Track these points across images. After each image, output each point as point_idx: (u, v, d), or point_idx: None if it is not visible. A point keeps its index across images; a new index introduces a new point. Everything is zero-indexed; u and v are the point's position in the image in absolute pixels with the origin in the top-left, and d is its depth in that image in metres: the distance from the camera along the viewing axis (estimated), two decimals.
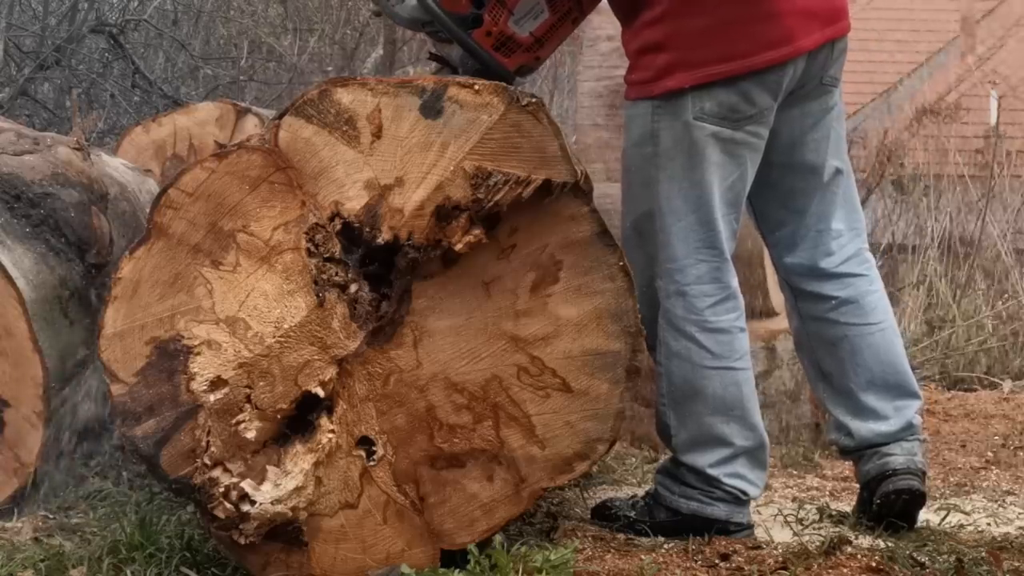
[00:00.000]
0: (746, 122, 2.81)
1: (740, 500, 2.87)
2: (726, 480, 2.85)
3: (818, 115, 2.96)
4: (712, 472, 2.84)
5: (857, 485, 3.43)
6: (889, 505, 2.91)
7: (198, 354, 2.48)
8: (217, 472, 2.48)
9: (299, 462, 2.51)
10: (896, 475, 2.93)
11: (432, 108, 2.48)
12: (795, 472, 3.69)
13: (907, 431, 2.99)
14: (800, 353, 3.14)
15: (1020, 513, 3.26)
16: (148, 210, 2.51)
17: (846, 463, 3.91)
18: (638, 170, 2.88)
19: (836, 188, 3.00)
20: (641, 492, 3.06)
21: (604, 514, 2.96)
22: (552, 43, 2.85)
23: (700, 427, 2.84)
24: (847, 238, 3.00)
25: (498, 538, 2.56)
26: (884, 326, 3.00)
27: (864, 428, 2.98)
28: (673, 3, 2.75)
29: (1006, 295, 6.59)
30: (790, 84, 2.85)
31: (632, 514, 2.91)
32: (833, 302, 2.97)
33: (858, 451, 3.00)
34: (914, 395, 3.02)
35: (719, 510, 2.84)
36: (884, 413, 2.98)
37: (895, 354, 3.01)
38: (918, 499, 2.94)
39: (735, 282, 2.88)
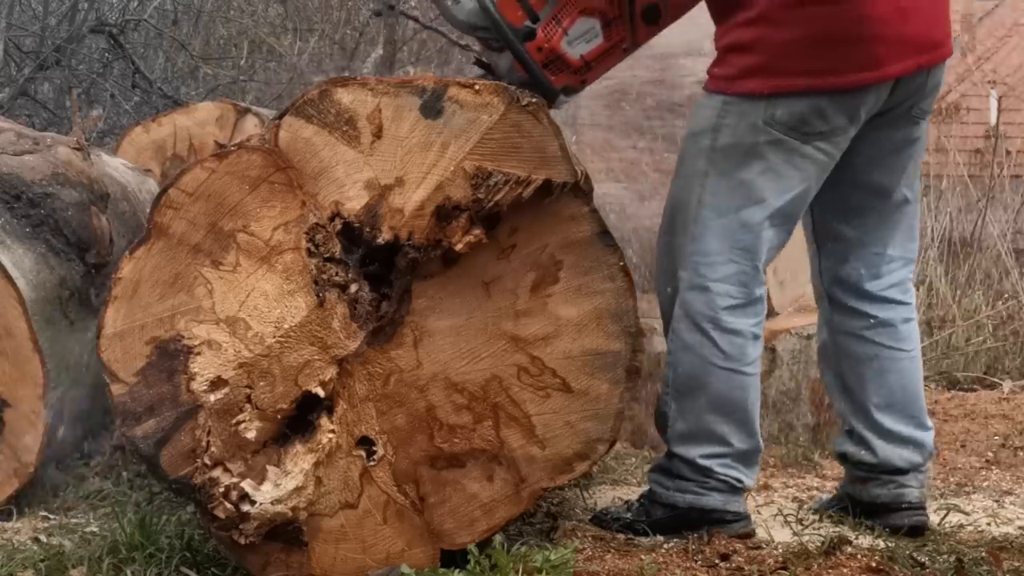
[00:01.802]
0: (815, 138, 2.78)
1: (735, 489, 2.87)
2: (719, 470, 2.85)
3: (899, 144, 2.93)
4: (704, 463, 2.85)
5: None
6: (894, 532, 2.95)
7: (198, 354, 2.48)
8: (217, 472, 2.48)
9: (299, 462, 2.51)
10: (911, 509, 2.97)
11: (432, 108, 2.48)
12: (795, 472, 3.69)
13: (926, 462, 3.03)
14: (823, 364, 3.12)
15: (1020, 513, 3.26)
16: (148, 210, 2.51)
17: None
18: (689, 159, 2.86)
19: (900, 215, 2.98)
20: (636, 494, 3.06)
21: (602, 521, 2.95)
22: (600, 69, 2.85)
23: (699, 422, 2.85)
24: (898, 264, 3.00)
25: (498, 538, 2.56)
26: (914, 355, 3.02)
27: (890, 450, 2.99)
28: (770, 9, 2.72)
29: (1006, 295, 6.58)
30: (872, 108, 2.81)
31: (629, 516, 2.91)
32: (871, 321, 2.98)
33: (876, 470, 3.00)
34: (928, 428, 3.05)
35: (714, 499, 2.84)
36: (907, 439, 2.99)
37: (917, 384, 3.03)
38: (921, 532, 2.97)
39: (761, 291, 2.86)
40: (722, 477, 2.85)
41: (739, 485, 2.87)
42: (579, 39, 2.78)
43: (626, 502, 3.00)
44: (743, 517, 2.89)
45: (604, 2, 2.77)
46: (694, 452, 2.85)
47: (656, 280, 2.98)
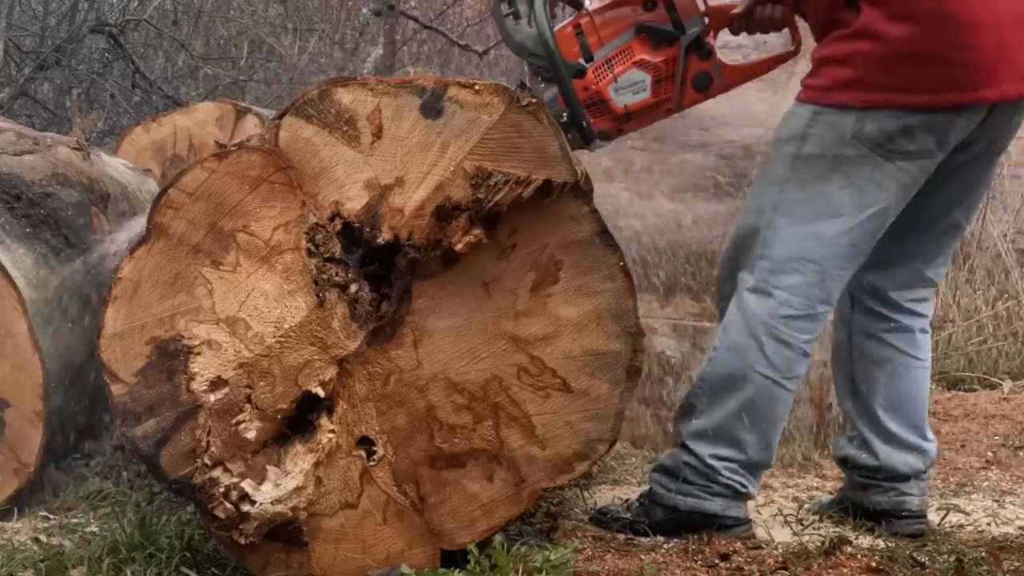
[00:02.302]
0: (901, 157, 2.76)
1: (738, 494, 2.87)
2: (725, 473, 2.85)
3: (968, 179, 2.92)
4: (712, 463, 2.84)
5: None
6: (894, 536, 2.95)
7: (198, 354, 2.48)
8: (217, 472, 2.48)
9: (299, 462, 2.51)
10: (912, 517, 2.98)
11: (432, 108, 2.48)
12: (795, 472, 3.69)
13: (928, 470, 3.04)
14: (835, 366, 3.11)
15: (1020, 513, 3.26)
16: (148, 210, 2.51)
17: None
18: (772, 164, 2.85)
19: (948, 240, 2.98)
20: (637, 494, 3.05)
21: (601, 521, 2.95)
22: (639, 123, 2.86)
23: (722, 423, 2.83)
24: (927, 283, 3.01)
25: (498, 538, 2.56)
26: (926, 365, 3.03)
27: (893, 454, 2.99)
28: (869, 24, 2.70)
29: (1006, 295, 6.58)
30: (960, 135, 2.78)
31: (629, 516, 2.91)
32: (891, 324, 2.97)
33: (876, 474, 3.00)
34: (930, 440, 3.06)
35: (716, 504, 2.84)
36: (911, 445, 3.00)
37: (924, 395, 3.04)
38: (918, 538, 2.97)
39: (824, 309, 2.83)
40: (726, 481, 2.84)
41: (742, 491, 2.87)
42: (627, 89, 2.78)
43: (626, 501, 3.00)
44: (744, 522, 2.89)
45: (660, 59, 2.77)
46: (705, 450, 2.84)
47: (719, 278, 2.95)
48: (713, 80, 2.83)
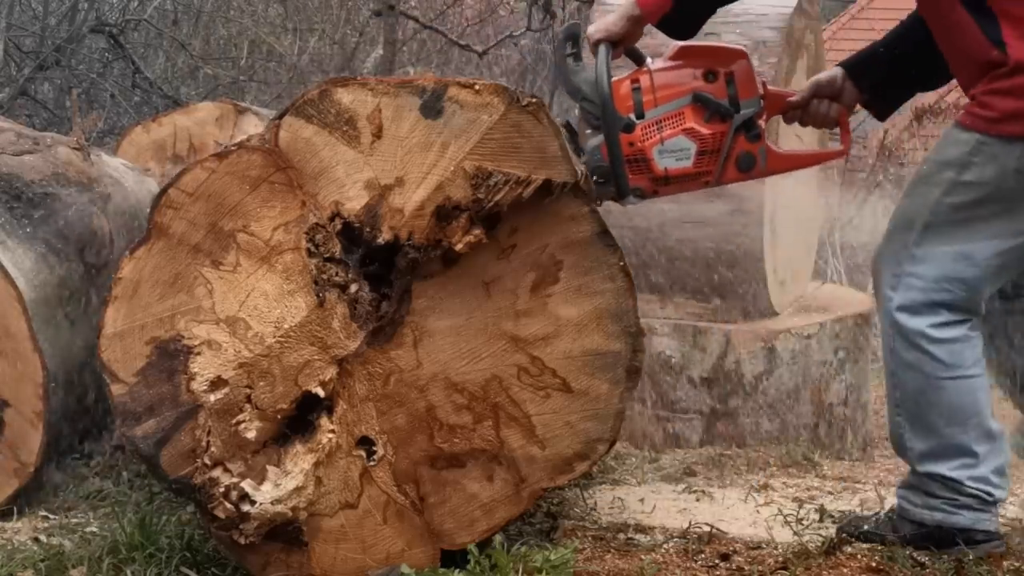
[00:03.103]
0: None
1: (986, 502, 2.80)
2: (969, 483, 2.78)
3: None
4: (954, 475, 2.78)
5: (857, 484, 3.43)
6: None
7: (198, 354, 2.48)
8: (217, 472, 2.48)
9: (299, 462, 2.51)
10: None
11: (432, 108, 2.48)
12: (795, 472, 3.68)
13: None
14: (997, 365, 3.05)
15: (1020, 513, 3.26)
16: (148, 210, 2.51)
17: (846, 463, 3.92)
18: (927, 183, 2.78)
19: None
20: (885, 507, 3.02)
21: (847, 531, 2.89)
22: (675, 188, 2.84)
23: (940, 438, 2.78)
24: None
25: (498, 538, 2.56)
26: None
27: None
28: (1021, 59, 2.63)
29: None
30: None
31: (877, 530, 2.85)
32: None
33: None
34: None
35: (964, 518, 2.77)
36: None
37: None
38: None
39: (974, 314, 2.79)
40: (972, 491, 2.78)
41: (989, 499, 2.80)
42: (671, 153, 2.77)
43: (875, 514, 2.95)
44: (994, 537, 2.81)
45: (709, 132, 2.76)
46: (942, 468, 2.79)
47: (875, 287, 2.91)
48: (757, 163, 2.82)
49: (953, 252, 2.74)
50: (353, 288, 2.52)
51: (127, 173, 3.93)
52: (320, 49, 10.45)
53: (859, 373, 4.18)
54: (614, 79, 2.72)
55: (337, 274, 2.51)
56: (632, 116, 2.75)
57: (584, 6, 8.77)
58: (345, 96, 2.49)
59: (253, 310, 2.49)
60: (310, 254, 2.50)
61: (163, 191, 2.51)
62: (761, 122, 2.81)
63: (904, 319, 2.76)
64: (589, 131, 2.77)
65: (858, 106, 3.01)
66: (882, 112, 2.98)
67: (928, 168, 2.81)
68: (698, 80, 2.77)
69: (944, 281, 2.74)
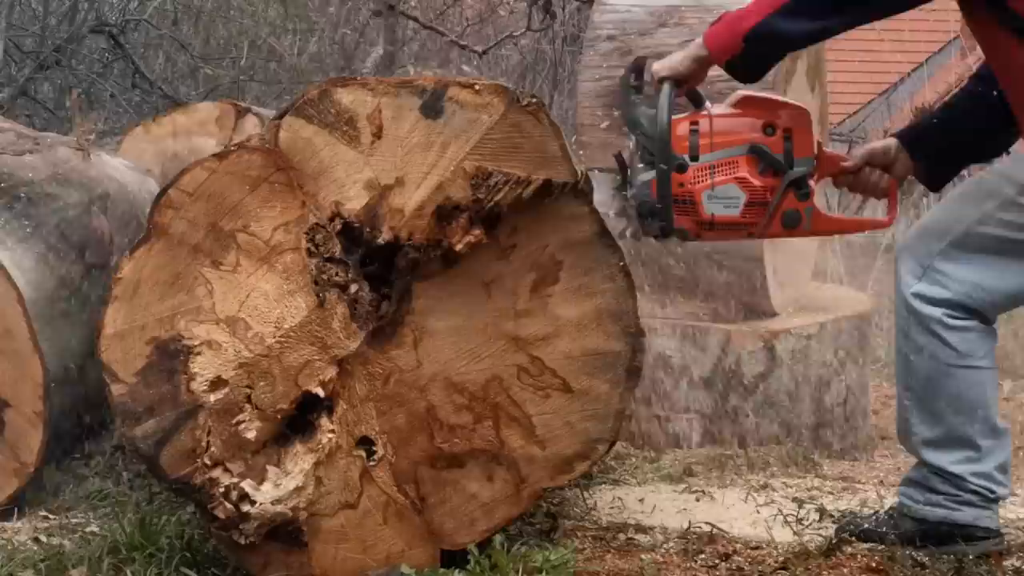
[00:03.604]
0: None
1: (988, 499, 2.81)
2: (972, 479, 2.79)
3: None
4: (956, 470, 2.79)
5: (857, 484, 3.43)
6: None
7: (198, 354, 2.48)
8: (217, 472, 2.48)
9: (299, 462, 2.51)
10: None
11: (433, 108, 2.48)
12: (795, 472, 3.68)
13: None
14: None
15: (1020, 513, 3.26)
16: (148, 210, 2.51)
17: (846, 463, 3.91)
18: (983, 192, 2.78)
19: None
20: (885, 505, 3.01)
21: (847, 529, 2.90)
22: (718, 235, 2.84)
23: (945, 427, 2.79)
24: None
25: (498, 538, 2.56)
26: None
27: None
28: None
29: None
30: None
31: (877, 527, 2.86)
32: None
33: None
34: None
35: (965, 514, 2.78)
36: None
37: None
38: None
39: (984, 321, 2.80)
40: (974, 487, 2.79)
41: (991, 496, 2.81)
42: (720, 200, 2.76)
43: (875, 512, 2.95)
44: (995, 534, 2.82)
45: (760, 184, 2.75)
46: (944, 459, 2.80)
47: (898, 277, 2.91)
48: (802, 221, 2.82)
49: (988, 264, 2.74)
50: (353, 288, 2.52)
51: (127, 173, 3.93)
52: (320, 49, 10.46)
53: (859, 373, 4.18)
54: (674, 118, 2.73)
55: (337, 274, 2.51)
56: (686, 157, 2.74)
57: (584, 6, 8.77)
58: (345, 96, 2.49)
59: (253, 310, 2.49)
60: (310, 254, 2.50)
61: (163, 191, 2.51)
62: (811, 182, 2.81)
63: (919, 305, 2.77)
64: (641, 165, 2.77)
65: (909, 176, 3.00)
66: (935, 183, 2.97)
67: (991, 179, 2.81)
68: (756, 132, 2.77)
69: (970, 287, 2.75)
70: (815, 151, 2.81)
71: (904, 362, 2.83)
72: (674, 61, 2.76)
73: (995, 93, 2.78)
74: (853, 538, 2.84)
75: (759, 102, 2.81)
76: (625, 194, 2.80)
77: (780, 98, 2.88)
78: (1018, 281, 2.76)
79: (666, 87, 2.74)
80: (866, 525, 2.88)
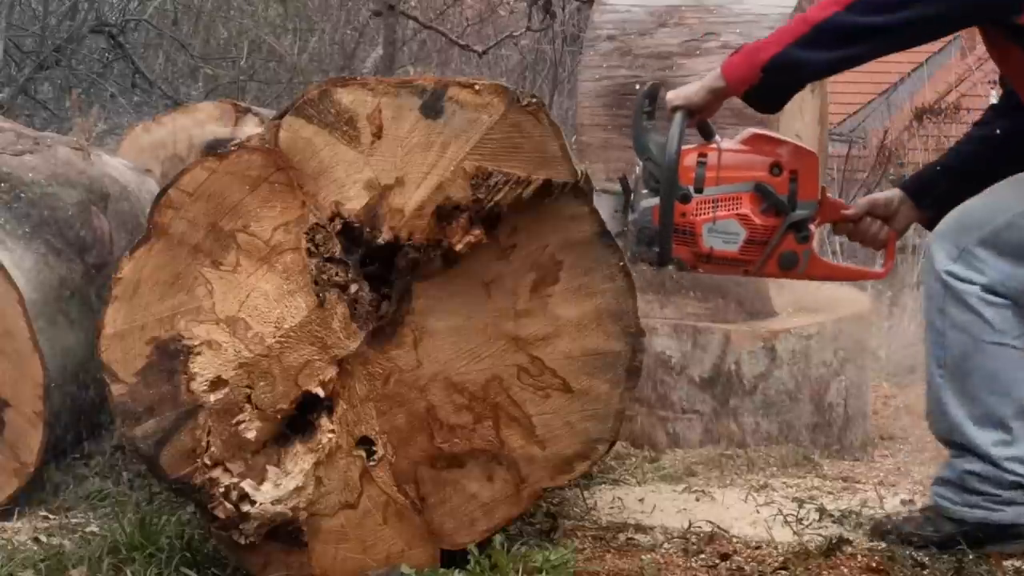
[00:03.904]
0: None
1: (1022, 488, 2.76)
2: (1007, 464, 2.74)
3: None
4: (991, 452, 2.75)
5: (857, 484, 3.43)
6: None
7: (198, 354, 2.48)
8: (217, 472, 2.48)
9: (299, 462, 2.51)
10: None
11: (433, 108, 2.48)
12: (795, 472, 3.68)
13: None
14: None
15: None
16: (148, 210, 2.51)
17: (846, 463, 3.91)
18: None
19: None
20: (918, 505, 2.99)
21: (881, 532, 2.88)
22: (713, 269, 2.87)
23: (979, 406, 2.76)
24: None
25: (498, 538, 2.56)
26: None
27: None
28: None
29: None
30: None
31: (914, 530, 2.84)
32: None
33: None
34: None
35: (1007, 514, 2.75)
36: None
37: None
38: None
39: (1021, 306, 2.79)
40: (1012, 477, 2.74)
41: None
42: (720, 234, 2.78)
43: (910, 514, 2.92)
44: None
45: (761, 223, 2.78)
46: (980, 438, 2.75)
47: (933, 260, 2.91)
48: (799, 263, 2.84)
49: None
50: (353, 288, 2.52)
51: (127, 173, 3.93)
52: (320, 49, 10.46)
53: (859, 373, 4.18)
54: (683, 148, 2.74)
55: (337, 274, 2.51)
56: (691, 188, 2.76)
57: (584, 6, 8.78)
58: (345, 96, 2.49)
59: (253, 310, 2.49)
60: (310, 254, 2.50)
61: (163, 191, 2.51)
62: (812, 226, 2.83)
63: (954, 282, 2.75)
64: (645, 191, 2.79)
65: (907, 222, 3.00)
66: None
67: None
68: (763, 170, 2.79)
69: (1005, 275, 2.74)
70: (819, 196, 2.83)
71: (937, 338, 2.79)
72: (689, 92, 2.77)
73: (998, 132, 2.80)
74: (899, 543, 2.81)
75: (769, 141, 2.83)
76: (625, 217, 2.81)
77: (791, 140, 2.89)
78: None
79: (679, 116, 2.75)
80: (907, 528, 2.85)
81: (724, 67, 2.72)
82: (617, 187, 2.88)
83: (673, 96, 2.78)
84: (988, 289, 2.73)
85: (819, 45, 2.65)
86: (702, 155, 2.78)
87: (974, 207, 2.81)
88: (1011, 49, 2.74)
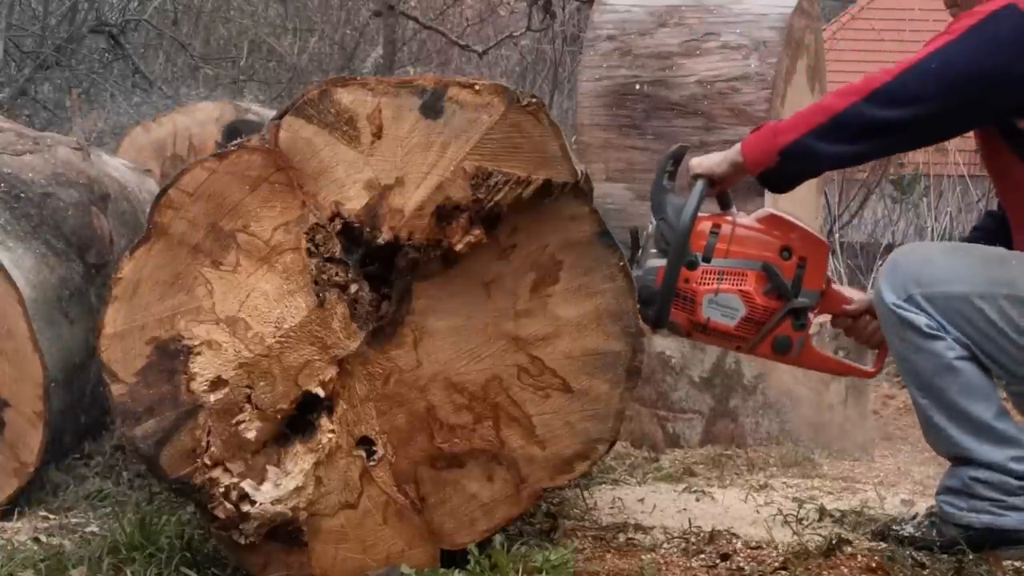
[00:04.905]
0: None
1: None
2: (1015, 467, 2.73)
3: None
4: (996, 457, 2.73)
5: (857, 484, 3.43)
6: None
7: (198, 354, 2.48)
8: (217, 472, 2.48)
9: (299, 462, 2.51)
10: None
11: (432, 108, 2.48)
12: (795, 472, 3.69)
13: None
14: None
15: None
16: (148, 210, 2.51)
17: (846, 463, 3.92)
18: (1003, 282, 2.75)
19: None
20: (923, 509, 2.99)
21: (885, 536, 2.87)
22: (706, 339, 2.87)
23: (966, 417, 2.74)
24: None
25: (498, 538, 2.56)
26: None
27: None
28: None
29: None
30: None
31: (917, 533, 2.83)
32: None
33: None
34: None
35: (1012, 519, 2.74)
36: None
37: None
38: None
39: None
40: (1018, 476, 2.72)
41: None
42: (719, 307, 2.79)
43: (914, 517, 2.91)
44: None
45: (762, 303, 2.78)
46: (981, 449, 2.74)
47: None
48: (792, 349, 2.85)
49: (974, 323, 2.72)
50: (353, 288, 2.52)
51: (127, 173, 3.93)
52: (320, 49, 10.47)
53: None
54: (699, 215, 2.75)
55: (337, 274, 2.51)
56: (700, 256, 2.76)
57: (584, 6, 8.78)
58: (345, 96, 2.49)
59: (253, 310, 2.49)
60: (310, 254, 2.50)
61: (163, 191, 2.51)
62: (811, 314, 2.84)
63: (904, 313, 2.74)
64: (654, 250, 2.79)
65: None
66: None
67: (1017, 265, 2.78)
68: (773, 252, 2.79)
69: (945, 327, 2.73)
70: (824, 286, 2.83)
71: (905, 364, 2.81)
72: (712, 162, 2.79)
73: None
74: (898, 545, 2.81)
75: (783, 224, 2.84)
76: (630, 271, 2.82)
77: (805, 226, 2.88)
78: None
79: (700, 184, 2.77)
80: (910, 531, 2.85)
81: (743, 145, 2.76)
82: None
83: (696, 164, 2.81)
84: (938, 325, 2.73)
85: (835, 139, 2.68)
86: (716, 225, 2.79)
87: (936, 262, 2.80)
88: (1011, 166, 2.76)
